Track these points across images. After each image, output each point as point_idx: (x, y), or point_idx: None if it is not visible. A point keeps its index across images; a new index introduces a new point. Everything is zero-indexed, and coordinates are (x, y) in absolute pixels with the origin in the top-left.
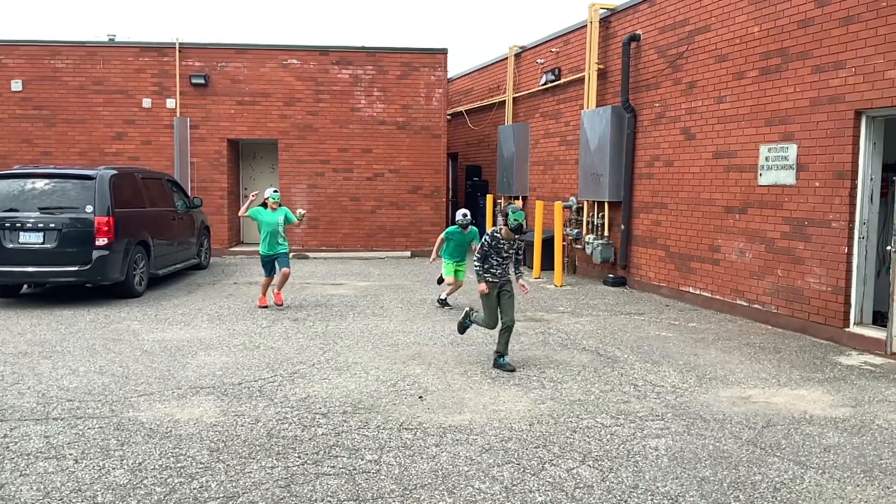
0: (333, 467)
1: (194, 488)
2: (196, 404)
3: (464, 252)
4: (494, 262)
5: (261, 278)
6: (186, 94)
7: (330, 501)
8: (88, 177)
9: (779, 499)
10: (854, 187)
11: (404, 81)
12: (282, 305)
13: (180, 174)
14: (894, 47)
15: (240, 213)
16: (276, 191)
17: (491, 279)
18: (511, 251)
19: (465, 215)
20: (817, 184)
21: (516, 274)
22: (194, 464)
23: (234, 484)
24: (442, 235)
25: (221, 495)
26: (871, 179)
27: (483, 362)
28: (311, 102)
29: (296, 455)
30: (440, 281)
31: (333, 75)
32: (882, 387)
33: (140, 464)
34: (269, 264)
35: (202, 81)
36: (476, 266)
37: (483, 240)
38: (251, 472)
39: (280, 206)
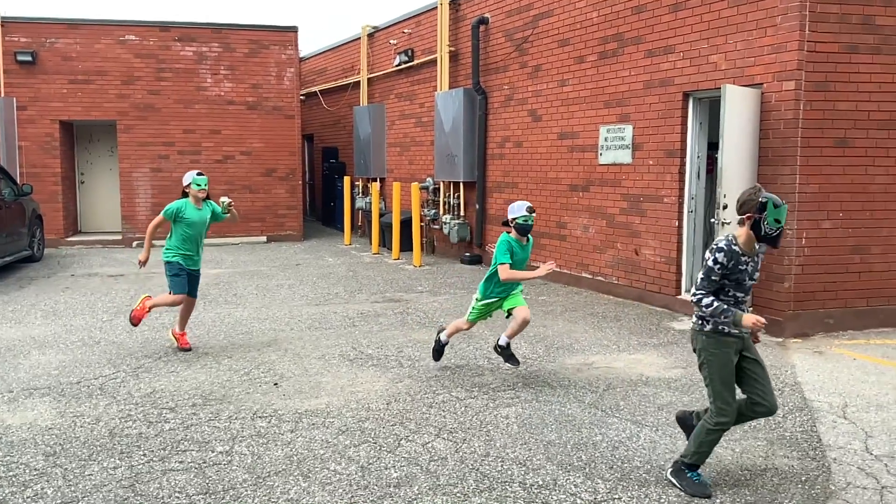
0: (182, 462)
1: (28, 497)
2: (30, 407)
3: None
4: (731, 300)
5: (102, 269)
6: (12, 73)
7: (178, 497)
8: None
9: (617, 456)
10: (683, 165)
11: (253, 60)
12: (190, 349)
13: (7, 159)
14: (717, 33)
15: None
16: (200, 174)
17: (730, 329)
18: (756, 276)
19: (531, 210)
20: (651, 162)
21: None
22: (28, 471)
23: (72, 488)
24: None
25: (59, 501)
26: (698, 157)
27: (342, 345)
28: (152, 81)
29: (141, 453)
30: (438, 351)
31: (176, 52)
32: None
33: None
34: (182, 278)
35: (29, 59)
36: (704, 310)
37: (715, 260)
38: (91, 474)
39: (207, 197)
